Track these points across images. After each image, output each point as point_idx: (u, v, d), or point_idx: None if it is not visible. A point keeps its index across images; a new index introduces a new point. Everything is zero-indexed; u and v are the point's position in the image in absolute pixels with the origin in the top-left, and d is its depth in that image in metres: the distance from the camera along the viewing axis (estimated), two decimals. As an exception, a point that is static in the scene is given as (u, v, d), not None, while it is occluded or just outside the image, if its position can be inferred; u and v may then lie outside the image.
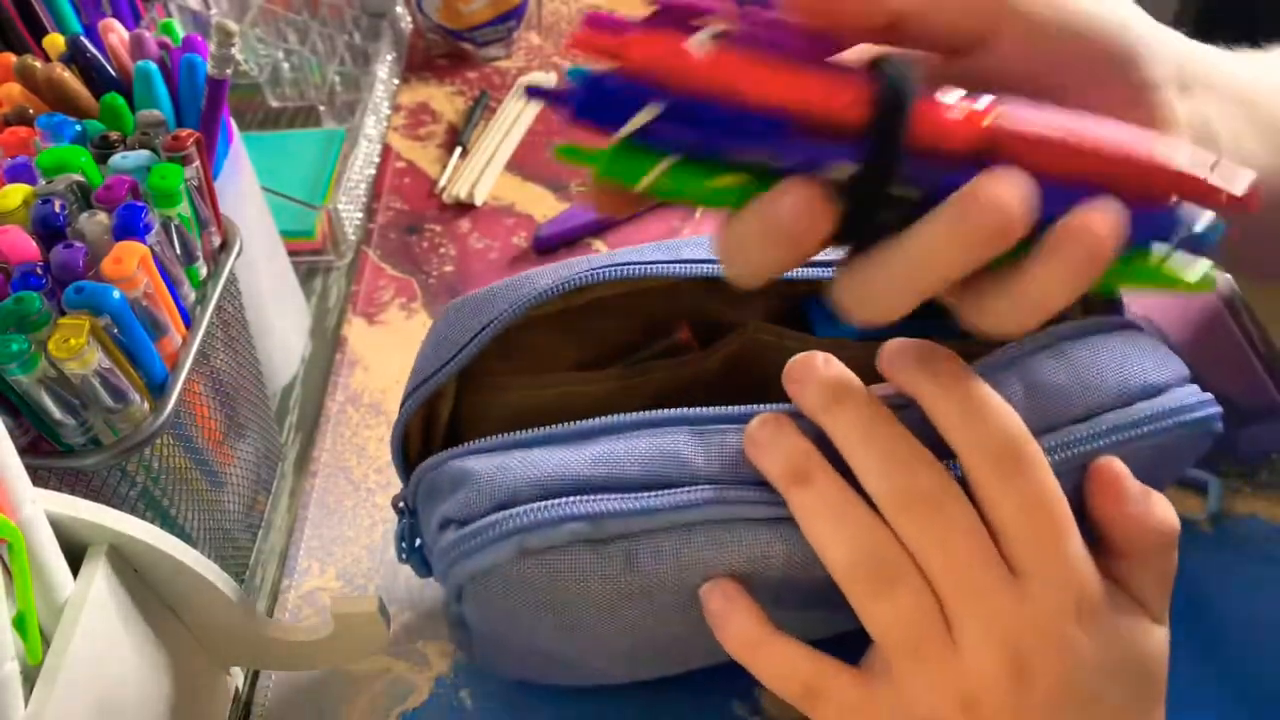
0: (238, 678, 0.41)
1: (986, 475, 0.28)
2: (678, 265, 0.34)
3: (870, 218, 0.24)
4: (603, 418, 0.32)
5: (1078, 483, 0.31)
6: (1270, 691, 0.39)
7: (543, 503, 0.30)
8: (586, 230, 0.61)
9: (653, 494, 0.30)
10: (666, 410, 0.32)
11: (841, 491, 0.29)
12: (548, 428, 0.32)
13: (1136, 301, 0.39)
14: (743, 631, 0.30)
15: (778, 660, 0.30)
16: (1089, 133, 0.25)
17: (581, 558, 0.30)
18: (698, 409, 0.32)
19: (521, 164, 0.67)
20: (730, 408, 0.31)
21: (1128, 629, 0.29)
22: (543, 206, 0.64)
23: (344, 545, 0.46)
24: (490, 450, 0.33)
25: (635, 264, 0.34)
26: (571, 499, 0.30)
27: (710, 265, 0.34)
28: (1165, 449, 0.32)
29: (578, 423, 0.32)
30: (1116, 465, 0.30)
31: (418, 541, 0.36)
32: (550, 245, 0.60)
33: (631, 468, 0.30)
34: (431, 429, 0.36)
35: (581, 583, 0.30)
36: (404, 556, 0.37)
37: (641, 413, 0.32)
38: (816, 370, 0.29)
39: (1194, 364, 0.34)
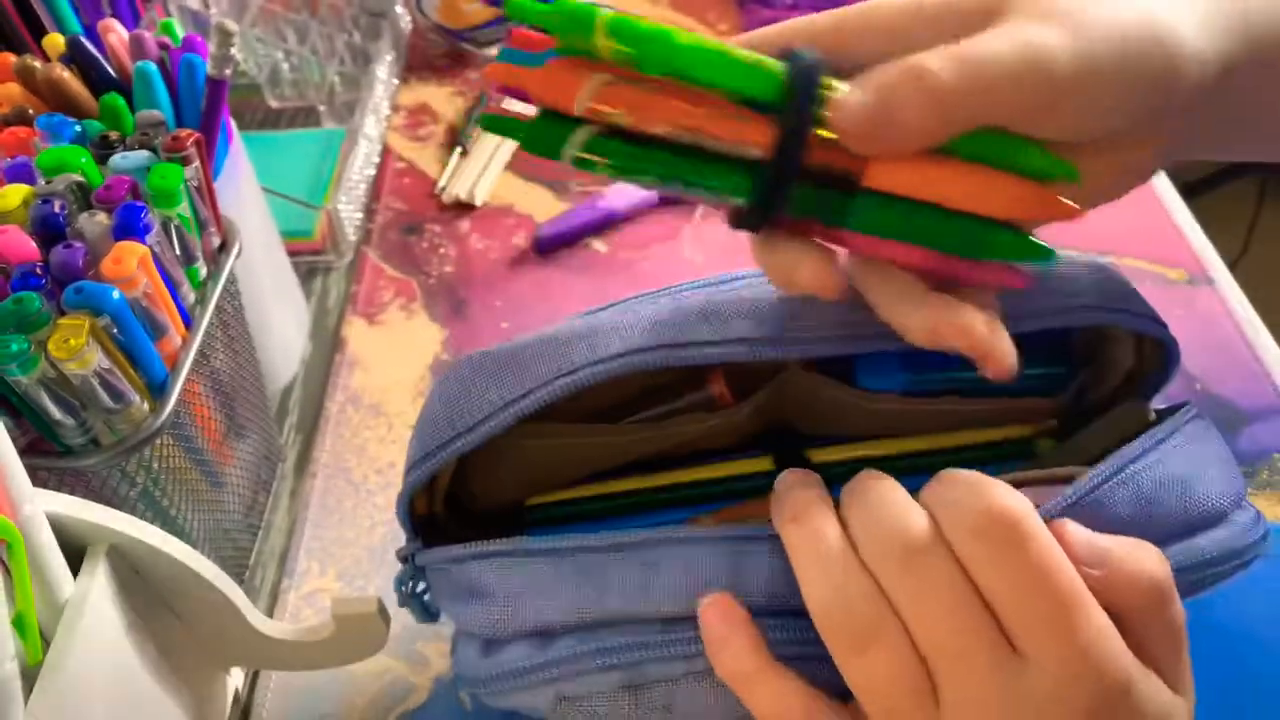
0: (238, 678, 0.41)
1: (968, 549, 0.25)
2: (732, 347, 0.30)
3: (782, 192, 0.26)
4: (622, 534, 0.29)
5: None
6: (1269, 691, 0.39)
7: (578, 647, 0.29)
8: (586, 230, 0.61)
9: (693, 629, 0.28)
10: (700, 529, 0.30)
11: (831, 534, 0.27)
12: (568, 538, 0.30)
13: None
14: (739, 661, 0.28)
15: (772, 696, 0.28)
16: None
17: (621, 703, 0.29)
18: (732, 528, 0.29)
19: (521, 164, 0.67)
20: (759, 526, 0.29)
21: (1152, 711, 0.25)
22: (543, 206, 0.64)
23: (344, 546, 0.46)
24: (510, 555, 0.30)
25: (691, 345, 0.30)
26: (606, 634, 0.29)
27: (768, 348, 0.30)
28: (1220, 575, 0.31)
29: (606, 535, 0.30)
30: (1064, 527, 0.26)
31: (422, 589, 0.35)
32: (550, 245, 0.60)
33: (669, 599, 0.29)
34: (436, 478, 0.34)
35: None
36: (404, 602, 0.36)
37: (671, 529, 0.30)
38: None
39: (1194, 364, 0.34)
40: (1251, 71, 0.29)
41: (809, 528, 0.27)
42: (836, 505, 0.28)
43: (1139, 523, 0.28)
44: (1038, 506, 0.26)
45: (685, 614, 0.29)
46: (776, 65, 0.25)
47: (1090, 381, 0.36)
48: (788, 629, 0.28)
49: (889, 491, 0.27)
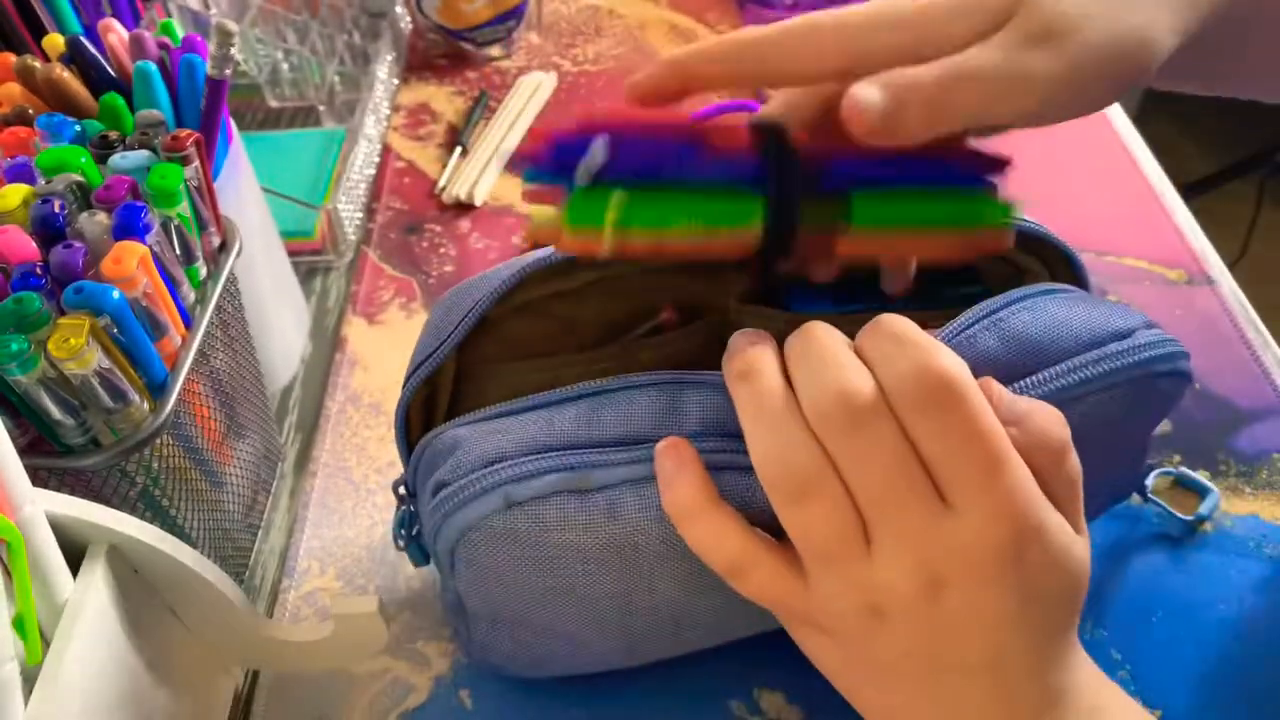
0: (238, 678, 0.41)
1: (907, 411, 0.27)
2: None
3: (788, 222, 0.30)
4: (585, 383, 0.33)
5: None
6: (1269, 691, 0.39)
7: (527, 456, 0.31)
8: (586, 230, 0.61)
9: (637, 447, 0.31)
10: (645, 373, 0.33)
11: (778, 392, 0.29)
12: (534, 396, 0.33)
13: (1135, 303, 0.39)
14: (684, 497, 0.30)
15: (711, 532, 0.30)
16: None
17: (567, 506, 0.31)
18: (675, 372, 0.33)
19: (521, 164, 0.67)
20: (707, 372, 0.32)
21: (1058, 547, 0.28)
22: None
23: (344, 545, 0.46)
24: (481, 419, 0.34)
25: None
26: (556, 453, 0.31)
27: None
28: (1139, 394, 0.33)
29: (561, 389, 0.33)
30: (990, 386, 0.29)
31: (416, 529, 0.37)
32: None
33: (614, 425, 0.32)
34: (432, 418, 0.37)
35: (567, 533, 0.31)
36: (401, 544, 0.37)
37: (622, 375, 0.33)
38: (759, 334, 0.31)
39: (1194, 364, 0.34)
40: (1206, 39, 0.33)
41: (755, 385, 0.29)
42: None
43: (1045, 339, 0.32)
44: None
45: (629, 437, 0.32)
46: (754, 210, 0.30)
47: None
48: (724, 451, 0.31)
49: (831, 346, 0.29)
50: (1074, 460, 0.29)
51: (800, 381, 0.29)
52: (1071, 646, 0.30)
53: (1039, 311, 0.33)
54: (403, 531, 0.37)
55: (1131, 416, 0.34)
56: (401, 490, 0.37)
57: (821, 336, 0.29)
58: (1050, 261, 0.38)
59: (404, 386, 0.36)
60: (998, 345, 0.32)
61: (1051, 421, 0.28)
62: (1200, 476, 0.45)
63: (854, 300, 0.36)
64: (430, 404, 0.37)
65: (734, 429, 0.30)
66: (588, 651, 0.37)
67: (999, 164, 0.32)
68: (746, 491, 0.30)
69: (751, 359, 0.30)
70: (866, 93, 0.28)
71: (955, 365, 0.27)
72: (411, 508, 0.37)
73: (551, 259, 0.35)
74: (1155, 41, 0.30)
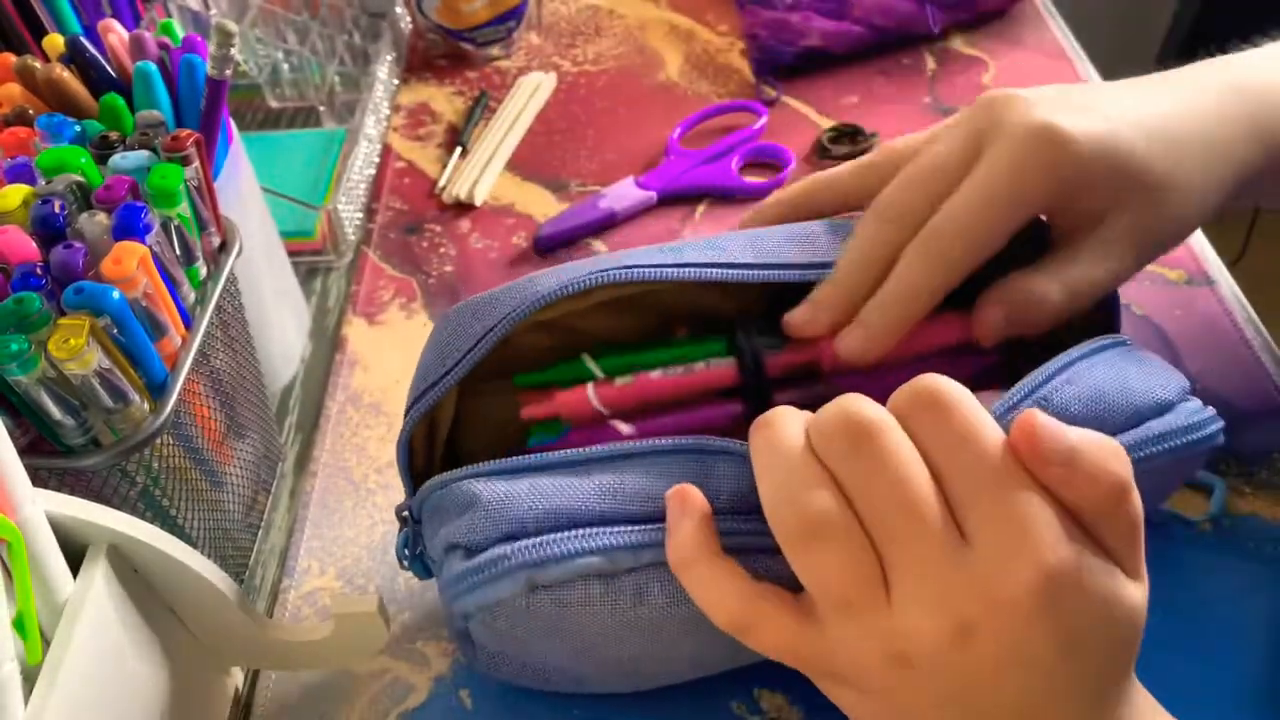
0: (238, 678, 0.41)
1: (909, 421, 0.27)
2: (684, 270, 0.34)
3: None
4: (607, 445, 0.32)
5: None
6: (1270, 691, 0.39)
7: (553, 535, 0.30)
8: (586, 230, 0.61)
9: (663, 525, 0.30)
10: (672, 439, 0.32)
11: (792, 437, 0.28)
12: (551, 455, 0.32)
13: (1136, 303, 0.39)
14: (682, 546, 0.29)
15: (709, 585, 0.28)
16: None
17: (592, 591, 0.30)
18: (699, 438, 0.32)
19: (521, 164, 0.67)
20: (731, 440, 0.31)
21: (1101, 594, 0.26)
22: (543, 206, 0.64)
23: (344, 545, 0.46)
24: (496, 474, 0.32)
25: (642, 267, 0.34)
26: (581, 531, 0.30)
27: (716, 270, 0.34)
28: (1175, 462, 0.32)
29: (583, 449, 0.32)
30: (1034, 419, 0.27)
31: (420, 549, 0.36)
32: (550, 245, 0.60)
33: (640, 499, 0.31)
34: (434, 436, 0.36)
35: (591, 615, 0.30)
36: (405, 564, 0.37)
37: (646, 440, 0.32)
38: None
39: (1194, 364, 0.34)
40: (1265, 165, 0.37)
41: (769, 432, 0.29)
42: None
43: (1088, 418, 0.31)
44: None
45: (655, 513, 0.30)
46: (725, 358, 0.35)
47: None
48: (750, 525, 0.30)
49: (850, 398, 0.28)
50: (1135, 501, 0.27)
51: (814, 423, 0.28)
52: (1123, 698, 0.27)
53: (1081, 384, 0.32)
54: (406, 551, 0.36)
55: (1164, 483, 0.35)
56: (405, 514, 0.36)
57: (844, 396, 0.28)
58: None
59: (407, 414, 0.35)
60: None
61: (1107, 457, 0.26)
62: (1207, 477, 0.45)
63: None
64: (432, 423, 0.36)
65: (757, 505, 0.29)
66: (597, 684, 0.37)
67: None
68: (777, 571, 0.29)
69: (773, 413, 0.29)
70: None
71: (946, 380, 0.27)
72: (415, 531, 0.36)
73: (572, 287, 0.34)
74: (1224, 200, 0.36)
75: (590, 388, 0.35)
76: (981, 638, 0.26)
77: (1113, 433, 0.31)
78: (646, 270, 0.34)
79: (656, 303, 0.36)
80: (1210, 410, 0.33)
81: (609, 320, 0.36)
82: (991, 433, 0.27)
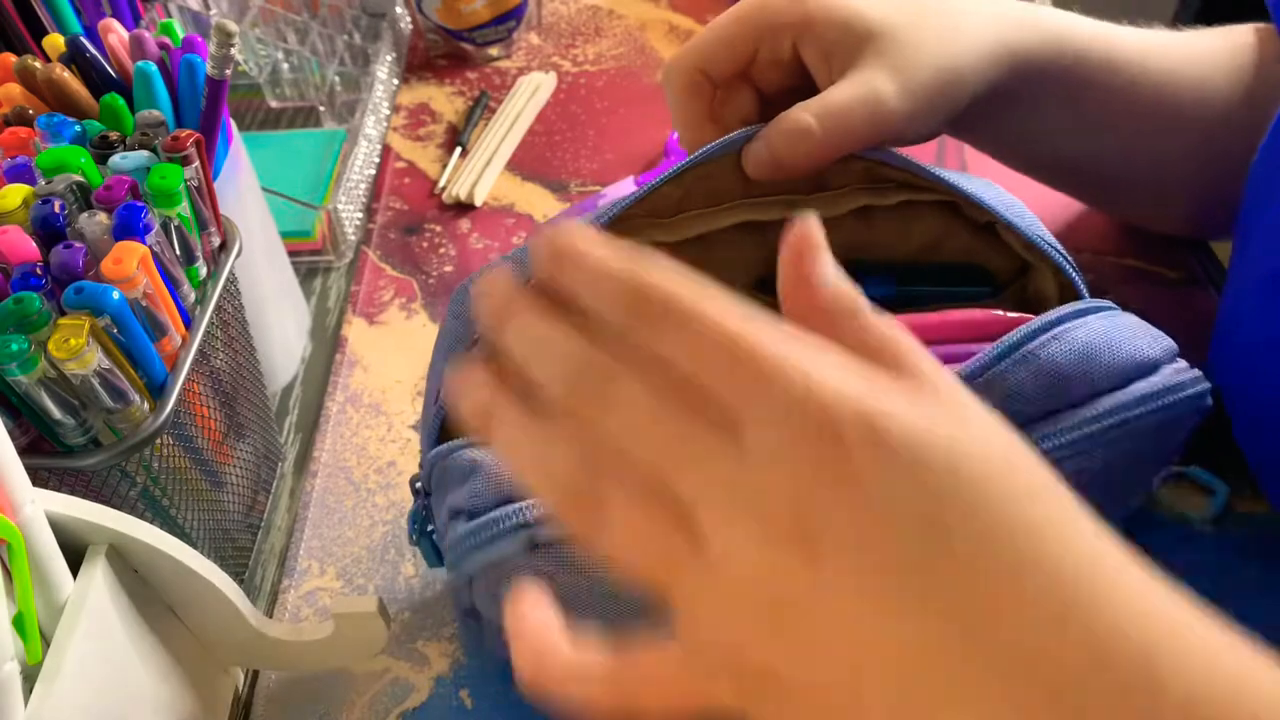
0: (238, 678, 0.41)
1: (635, 330, 0.22)
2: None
3: None
4: None
5: (1081, 466, 0.31)
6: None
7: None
8: (586, 230, 0.61)
9: None
10: None
11: (523, 416, 0.23)
12: None
13: (1135, 303, 0.39)
14: (523, 670, 0.23)
15: (571, 681, 0.23)
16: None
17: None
18: None
19: (521, 164, 0.67)
20: None
21: (917, 441, 0.20)
22: (543, 206, 0.64)
23: (344, 545, 0.46)
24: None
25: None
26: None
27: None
28: (1163, 425, 0.33)
29: None
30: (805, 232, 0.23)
31: (430, 527, 0.37)
32: (550, 245, 0.60)
33: None
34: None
35: (592, 573, 0.31)
36: (415, 539, 0.37)
37: None
38: (492, 286, 0.24)
39: (1192, 363, 0.35)
40: (1016, 86, 0.42)
41: (504, 426, 0.23)
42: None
43: (1074, 374, 0.32)
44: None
45: None
46: None
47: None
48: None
49: (558, 334, 0.23)
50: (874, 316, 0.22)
51: (539, 377, 0.23)
52: (1054, 547, 0.20)
53: (1067, 340, 0.33)
54: (417, 527, 0.37)
55: (1153, 449, 0.35)
56: (418, 485, 0.37)
57: (542, 320, 0.23)
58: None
59: (431, 378, 0.36)
60: (1030, 380, 0.32)
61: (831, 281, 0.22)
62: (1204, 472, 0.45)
63: (865, 286, 0.36)
64: None
65: None
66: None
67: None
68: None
69: (481, 397, 0.24)
70: (756, 148, 0.37)
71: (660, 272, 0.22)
72: (426, 505, 0.37)
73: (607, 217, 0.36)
74: (965, 80, 0.39)
75: None
76: (824, 534, 0.20)
77: (1100, 387, 0.32)
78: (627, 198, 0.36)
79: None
80: (1196, 371, 0.34)
81: None
82: (746, 322, 0.21)
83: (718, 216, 0.39)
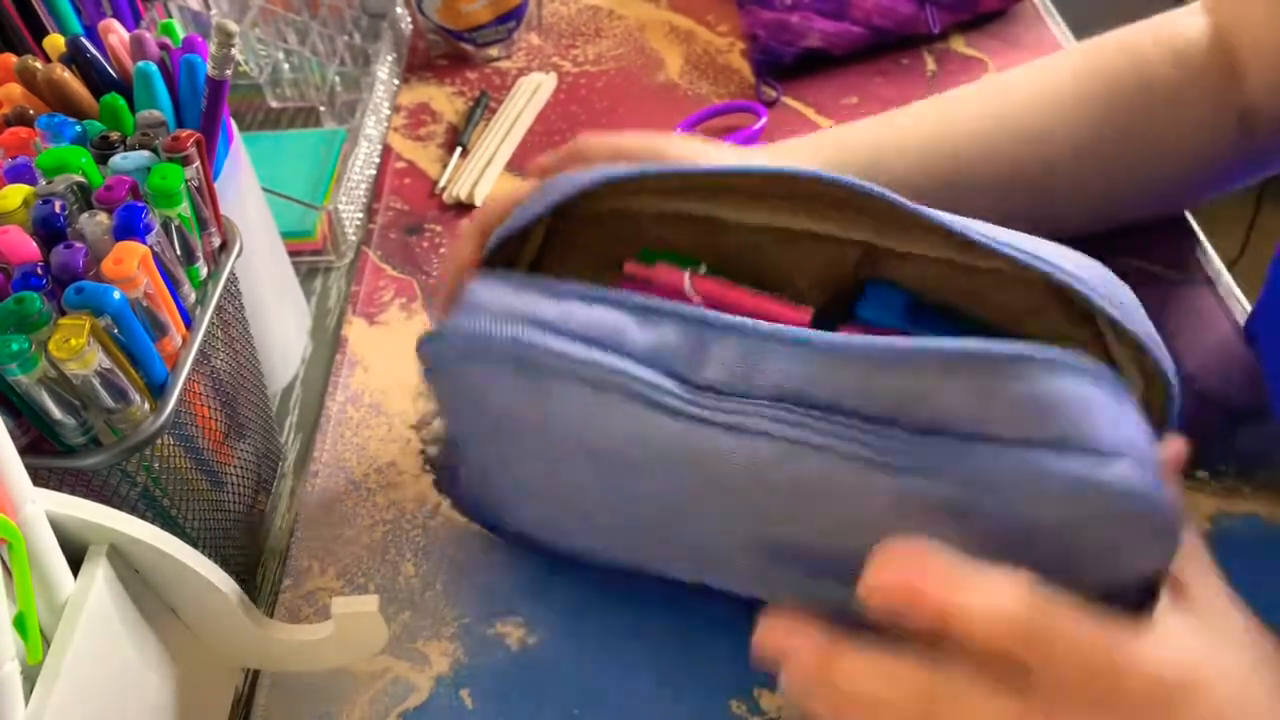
0: (238, 678, 0.41)
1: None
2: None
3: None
4: (583, 285, 0.34)
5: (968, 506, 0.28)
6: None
7: (494, 317, 0.33)
8: (586, 230, 0.61)
9: (582, 345, 0.32)
10: (630, 293, 0.34)
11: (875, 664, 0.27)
12: (553, 281, 0.34)
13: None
14: (803, 665, 0.27)
15: (869, 669, 0.27)
16: None
17: (504, 376, 0.33)
18: (654, 299, 0.33)
19: (522, 164, 0.67)
20: (676, 304, 0.33)
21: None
22: (543, 207, 0.64)
23: (344, 545, 0.46)
24: (506, 282, 0.34)
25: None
26: (520, 327, 0.32)
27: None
28: (1071, 522, 0.28)
29: (569, 284, 0.34)
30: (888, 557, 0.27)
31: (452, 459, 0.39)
32: (550, 245, 0.60)
33: (579, 326, 0.33)
34: (514, 262, 0.38)
35: (504, 397, 0.33)
36: (424, 443, 0.41)
37: (614, 289, 0.34)
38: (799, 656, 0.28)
39: (1192, 363, 0.34)
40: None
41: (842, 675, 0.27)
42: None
43: (1007, 416, 0.28)
44: None
45: (591, 339, 0.32)
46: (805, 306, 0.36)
47: None
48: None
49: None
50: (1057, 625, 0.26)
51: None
52: None
53: (1025, 381, 0.28)
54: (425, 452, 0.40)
55: (1075, 545, 0.29)
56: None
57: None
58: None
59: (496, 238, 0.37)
60: (972, 394, 0.29)
61: (997, 598, 0.26)
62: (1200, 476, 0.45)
63: (926, 323, 0.36)
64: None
65: (665, 364, 0.31)
66: (568, 524, 0.38)
67: None
68: (650, 425, 0.31)
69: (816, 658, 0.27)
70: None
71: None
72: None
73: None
74: None
75: (688, 273, 0.37)
76: None
77: (1019, 442, 0.28)
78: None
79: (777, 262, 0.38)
80: (1149, 480, 0.27)
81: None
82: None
83: (795, 216, 0.37)
